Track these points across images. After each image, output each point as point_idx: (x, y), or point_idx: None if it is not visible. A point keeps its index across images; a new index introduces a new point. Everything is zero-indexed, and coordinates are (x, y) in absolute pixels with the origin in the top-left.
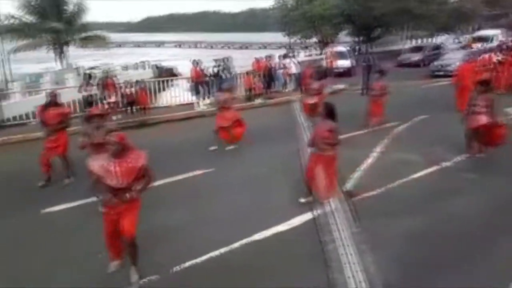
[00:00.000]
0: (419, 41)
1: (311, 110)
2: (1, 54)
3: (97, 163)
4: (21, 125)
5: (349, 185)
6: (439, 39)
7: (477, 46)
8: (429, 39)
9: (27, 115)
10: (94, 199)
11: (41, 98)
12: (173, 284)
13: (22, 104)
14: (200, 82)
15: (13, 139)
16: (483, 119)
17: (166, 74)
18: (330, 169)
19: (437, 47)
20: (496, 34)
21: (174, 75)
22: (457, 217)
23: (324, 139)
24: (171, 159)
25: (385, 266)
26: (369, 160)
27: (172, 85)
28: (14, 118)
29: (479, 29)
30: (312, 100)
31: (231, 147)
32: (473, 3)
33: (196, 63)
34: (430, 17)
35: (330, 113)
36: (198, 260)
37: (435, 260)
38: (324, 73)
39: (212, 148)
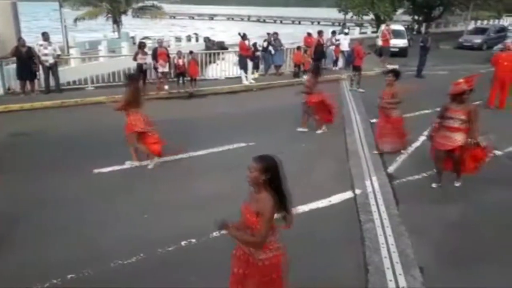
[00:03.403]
0: (484, 22)
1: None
2: (63, 21)
3: None
4: (78, 90)
5: (392, 168)
6: (507, 21)
7: None
8: (495, 21)
9: (84, 80)
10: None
11: (97, 64)
12: (211, 248)
13: (79, 69)
14: (247, 56)
15: (69, 102)
16: (459, 139)
17: (216, 47)
18: None
19: (502, 29)
20: None
21: (225, 48)
22: (501, 207)
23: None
24: (217, 130)
25: (422, 250)
26: (417, 144)
27: (223, 58)
28: (74, 82)
29: None
30: (304, 98)
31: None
32: None
33: (244, 36)
34: None
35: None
36: None
37: (474, 249)
38: (379, 52)
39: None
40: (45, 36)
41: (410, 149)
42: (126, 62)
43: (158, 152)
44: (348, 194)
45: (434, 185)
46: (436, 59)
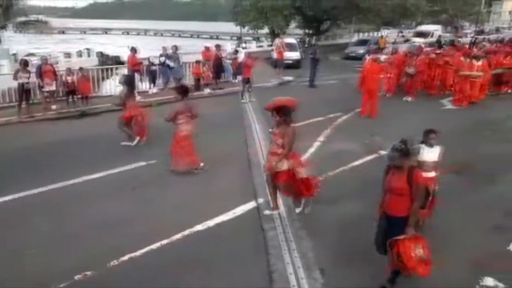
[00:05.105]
0: (366, 34)
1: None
2: None
3: None
4: None
5: None
6: (384, 33)
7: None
8: (375, 33)
9: None
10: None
11: None
12: (109, 279)
13: None
14: (137, 71)
15: None
16: (275, 164)
17: (111, 62)
18: None
19: None
20: (436, 29)
21: (120, 63)
22: None
23: None
24: (113, 150)
25: (322, 252)
26: (312, 150)
27: (116, 74)
28: None
29: (420, 24)
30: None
31: None
32: None
33: (134, 50)
34: (376, 11)
35: None
36: (138, 253)
37: (367, 247)
38: (274, 65)
39: None
40: None
41: (307, 155)
42: (6, 82)
43: None
44: (251, 204)
45: (297, 210)
46: (327, 70)
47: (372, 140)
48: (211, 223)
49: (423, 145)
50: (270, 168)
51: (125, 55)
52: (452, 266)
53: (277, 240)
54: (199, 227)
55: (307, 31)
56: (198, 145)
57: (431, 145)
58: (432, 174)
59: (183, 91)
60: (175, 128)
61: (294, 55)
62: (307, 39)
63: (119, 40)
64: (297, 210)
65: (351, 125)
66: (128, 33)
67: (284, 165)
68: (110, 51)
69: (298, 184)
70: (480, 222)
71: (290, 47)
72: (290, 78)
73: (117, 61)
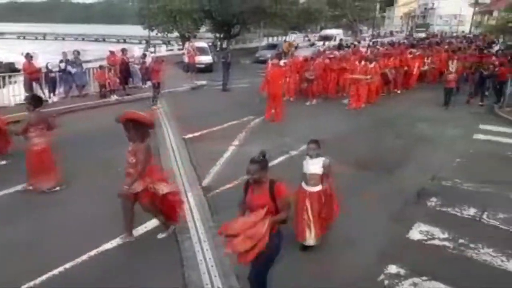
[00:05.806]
0: (275, 39)
1: None
2: None
3: None
4: None
5: (207, 180)
6: (291, 37)
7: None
8: (283, 37)
9: None
10: None
11: None
12: None
13: None
14: (35, 79)
15: None
16: (138, 185)
17: (4, 70)
18: None
19: None
20: (338, 33)
21: (16, 70)
22: None
23: None
24: (10, 166)
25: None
26: (227, 154)
27: (11, 82)
28: None
29: (324, 28)
30: None
31: None
32: (319, 4)
33: (29, 56)
34: (282, 16)
35: None
36: (37, 281)
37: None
38: (186, 69)
39: None
40: None
41: (222, 160)
42: None
43: None
44: None
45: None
46: (239, 73)
47: (283, 141)
48: (120, 240)
49: (306, 157)
50: (125, 191)
51: (21, 61)
52: (359, 258)
53: (193, 250)
54: (107, 246)
55: (218, 35)
56: (105, 155)
57: (311, 157)
58: (317, 188)
59: (34, 101)
60: (27, 142)
61: (206, 59)
62: (218, 43)
63: (13, 45)
64: (160, 235)
65: (263, 128)
66: (24, 38)
67: (140, 186)
68: (3, 57)
69: (162, 202)
70: (381, 214)
71: (202, 51)
72: (203, 82)
73: (12, 68)
